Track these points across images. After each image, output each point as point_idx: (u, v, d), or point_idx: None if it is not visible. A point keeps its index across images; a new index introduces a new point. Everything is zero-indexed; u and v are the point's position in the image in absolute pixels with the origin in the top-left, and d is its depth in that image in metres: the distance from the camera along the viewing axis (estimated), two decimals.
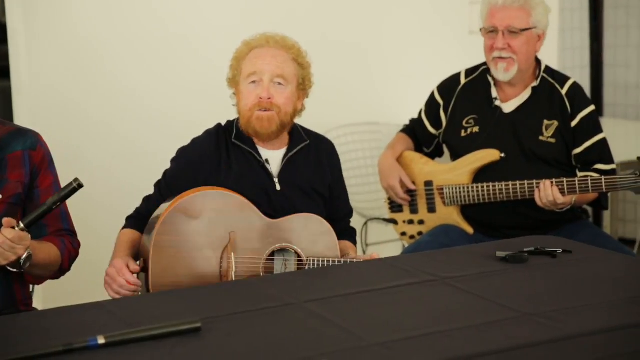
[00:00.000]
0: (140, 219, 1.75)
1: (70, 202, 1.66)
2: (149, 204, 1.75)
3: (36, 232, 1.62)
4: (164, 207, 1.67)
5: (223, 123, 1.82)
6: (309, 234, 1.70)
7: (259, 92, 1.68)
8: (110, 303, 1.34)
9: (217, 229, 1.65)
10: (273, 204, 1.68)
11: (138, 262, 1.62)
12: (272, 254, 1.67)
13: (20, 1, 2.68)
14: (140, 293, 1.61)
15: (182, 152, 1.77)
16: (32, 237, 1.62)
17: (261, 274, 1.64)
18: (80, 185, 1.39)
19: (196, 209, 1.63)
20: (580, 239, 1.89)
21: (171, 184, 1.73)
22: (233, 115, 1.83)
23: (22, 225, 1.34)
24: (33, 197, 1.58)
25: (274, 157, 1.75)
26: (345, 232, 1.84)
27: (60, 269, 1.58)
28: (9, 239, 1.34)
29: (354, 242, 1.88)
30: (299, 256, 1.66)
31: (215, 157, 1.74)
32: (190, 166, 1.74)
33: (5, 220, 1.37)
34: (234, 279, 1.59)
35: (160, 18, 2.89)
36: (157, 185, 1.76)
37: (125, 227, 1.75)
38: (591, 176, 2.07)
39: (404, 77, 3.20)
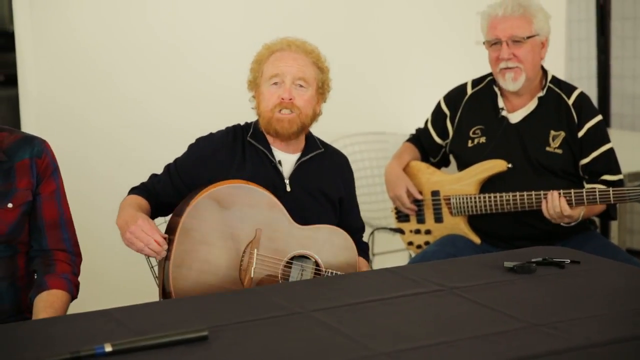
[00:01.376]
0: (144, 190, 1.79)
1: (73, 209, 1.72)
2: (154, 181, 1.80)
3: (38, 242, 1.65)
4: (196, 191, 1.71)
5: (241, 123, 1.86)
6: (331, 246, 1.74)
7: (280, 93, 1.73)
8: (117, 311, 1.35)
9: (245, 222, 1.69)
10: (282, 204, 1.72)
11: (165, 237, 1.66)
12: (292, 258, 1.70)
13: (28, 10, 2.77)
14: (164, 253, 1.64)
15: (198, 141, 1.81)
16: (35, 247, 1.66)
17: (279, 276, 1.68)
18: None
19: (228, 200, 1.67)
20: (588, 250, 1.89)
21: (180, 169, 1.78)
22: (234, 122, 1.90)
23: None
24: (35, 204, 1.60)
25: (287, 159, 1.79)
26: (358, 248, 1.86)
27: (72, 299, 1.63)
28: None
29: (367, 258, 1.90)
30: (317, 265, 1.68)
31: (230, 153, 1.78)
32: (203, 156, 1.78)
33: None
34: (252, 275, 1.64)
35: (163, 29, 2.99)
36: (167, 167, 1.80)
37: (132, 192, 1.80)
38: (599, 188, 2.08)
39: (410, 87, 3.25)
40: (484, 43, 2.25)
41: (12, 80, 2.94)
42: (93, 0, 2.99)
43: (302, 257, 1.71)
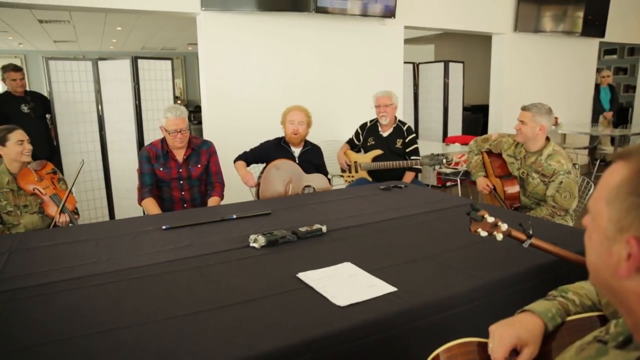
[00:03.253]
0: (243, 157, 3.07)
1: (223, 167, 3.04)
2: (247, 154, 3.08)
3: (209, 179, 2.94)
4: (268, 162, 2.94)
5: (279, 136, 3.17)
6: (319, 180, 3.09)
7: (294, 129, 3.09)
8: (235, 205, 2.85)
9: (286, 174, 2.99)
10: None
11: (257, 181, 2.91)
12: (305, 186, 2.99)
13: (205, 83, 4.10)
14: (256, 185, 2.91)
15: (265, 142, 3.15)
16: (207, 181, 2.92)
17: (300, 193, 2.96)
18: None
19: (279, 166, 2.99)
20: (413, 182, 3.37)
21: (255, 152, 3.10)
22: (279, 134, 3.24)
23: None
24: (208, 166, 2.95)
25: (296, 151, 3.15)
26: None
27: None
28: None
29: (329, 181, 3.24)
30: (314, 189, 3.02)
31: (276, 149, 3.09)
32: (266, 148, 3.09)
33: None
34: (290, 192, 2.95)
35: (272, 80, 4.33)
36: (252, 149, 3.09)
37: (237, 159, 3.06)
38: (413, 161, 3.46)
39: (347, 120, 4.50)
40: (375, 106, 3.57)
41: (201, 122, 4.25)
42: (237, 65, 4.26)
43: (308, 186, 3.06)
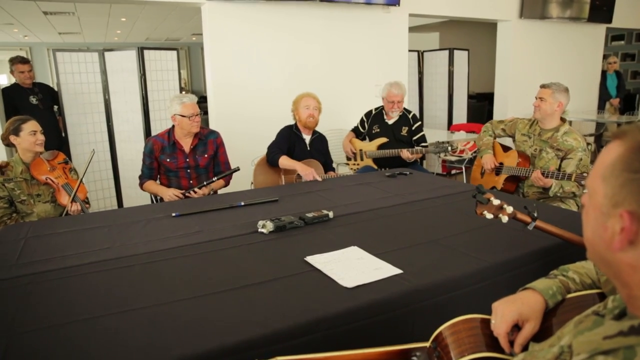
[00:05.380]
0: (282, 153, 3.13)
1: (230, 156, 3.12)
2: (280, 149, 3.13)
3: (217, 167, 3.01)
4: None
5: (289, 124, 3.27)
6: (315, 167, 3.15)
7: (310, 113, 3.17)
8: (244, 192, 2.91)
9: (275, 169, 3.10)
10: (306, 154, 3.16)
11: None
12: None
13: (210, 73, 4.16)
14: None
15: (280, 132, 3.22)
16: (215, 170, 3.01)
17: (294, 181, 3.09)
18: (237, 169, 2.83)
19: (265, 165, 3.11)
20: (415, 169, 3.37)
21: (283, 144, 3.16)
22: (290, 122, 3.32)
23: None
24: (216, 155, 3.04)
25: (307, 138, 3.25)
26: (329, 166, 3.37)
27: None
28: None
29: (333, 170, 3.37)
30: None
31: (291, 136, 3.19)
32: (282, 137, 3.18)
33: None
34: (284, 182, 3.09)
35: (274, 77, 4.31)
36: (277, 144, 3.15)
37: (278, 156, 3.10)
38: (420, 148, 3.52)
39: (353, 109, 4.52)
40: (382, 98, 3.65)
41: (206, 112, 4.31)
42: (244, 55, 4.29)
43: None
